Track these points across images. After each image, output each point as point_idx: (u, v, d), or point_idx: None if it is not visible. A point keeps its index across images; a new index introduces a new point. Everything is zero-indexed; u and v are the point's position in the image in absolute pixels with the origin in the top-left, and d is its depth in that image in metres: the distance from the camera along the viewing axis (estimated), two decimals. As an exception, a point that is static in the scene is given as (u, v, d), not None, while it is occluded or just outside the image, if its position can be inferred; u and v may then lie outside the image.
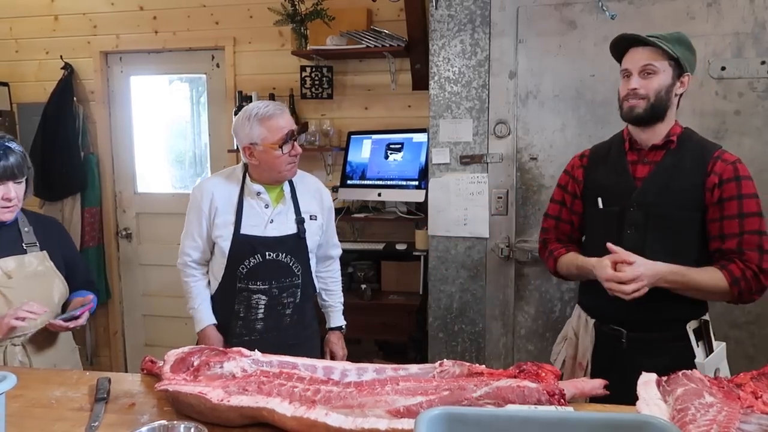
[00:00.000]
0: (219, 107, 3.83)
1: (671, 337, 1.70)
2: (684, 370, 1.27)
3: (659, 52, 1.67)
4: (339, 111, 3.63)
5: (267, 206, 2.04)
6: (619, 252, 1.62)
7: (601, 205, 1.80)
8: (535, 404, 1.17)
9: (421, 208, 3.23)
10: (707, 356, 1.66)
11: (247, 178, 2.05)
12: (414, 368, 1.39)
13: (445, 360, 1.39)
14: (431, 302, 2.79)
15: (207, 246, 2.06)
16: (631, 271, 1.58)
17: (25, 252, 1.78)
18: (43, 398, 1.42)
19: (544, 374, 1.26)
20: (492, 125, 2.63)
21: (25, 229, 1.81)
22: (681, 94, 1.75)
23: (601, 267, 1.65)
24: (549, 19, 2.53)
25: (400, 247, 3.33)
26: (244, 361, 1.39)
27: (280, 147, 1.95)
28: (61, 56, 3.89)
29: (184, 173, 4.21)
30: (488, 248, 2.69)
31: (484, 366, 1.36)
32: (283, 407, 1.19)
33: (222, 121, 3.77)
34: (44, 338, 1.76)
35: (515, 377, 1.26)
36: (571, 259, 1.84)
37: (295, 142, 2.00)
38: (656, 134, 1.74)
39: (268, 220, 2.03)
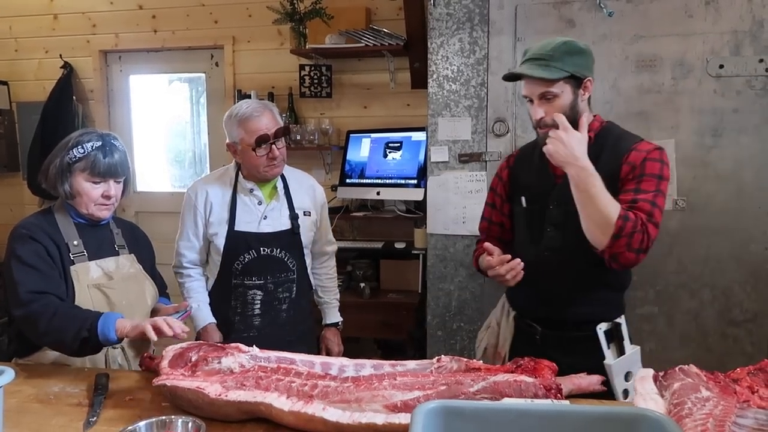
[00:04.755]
0: (218, 106, 3.83)
1: (583, 338, 1.67)
2: (681, 365, 1.27)
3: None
4: (338, 110, 3.64)
5: (260, 203, 2.06)
6: None
7: (524, 204, 1.78)
8: (532, 398, 1.17)
9: (420, 206, 3.23)
10: (617, 358, 1.64)
11: (240, 175, 2.07)
12: (411, 364, 1.39)
13: (442, 356, 1.39)
14: (430, 300, 2.79)
15: (203, 245, 2.08)
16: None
17: (117, 253, 1.77)
18: (42, 394, 1.43)
19: (541, 369, 1.26)
20: (490, 123, 2.63)
21: (116, 231, 1.81)
22: (590, 95, 1.70)
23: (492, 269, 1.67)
24: (547, 18, 2.53)
25: (399, 245, 3.33)
26: (242, 356, 1.39)
27: (254, 150, 1.95)
28: (60, 55, 3.90)
29: (183, 172, 4.22)
30: (487, 246, 2.69)
31: (481, 362, 1.36)
32: (281, 402, 1.20)
33: (221, 120, 3.74)
34: (141, 342, 1.72)
35: (512, 372, 1.27)
36: (481, 259, 1.83)
37: (274, 145, 1.97)
38: None
39: (262, 216, 2.05)
